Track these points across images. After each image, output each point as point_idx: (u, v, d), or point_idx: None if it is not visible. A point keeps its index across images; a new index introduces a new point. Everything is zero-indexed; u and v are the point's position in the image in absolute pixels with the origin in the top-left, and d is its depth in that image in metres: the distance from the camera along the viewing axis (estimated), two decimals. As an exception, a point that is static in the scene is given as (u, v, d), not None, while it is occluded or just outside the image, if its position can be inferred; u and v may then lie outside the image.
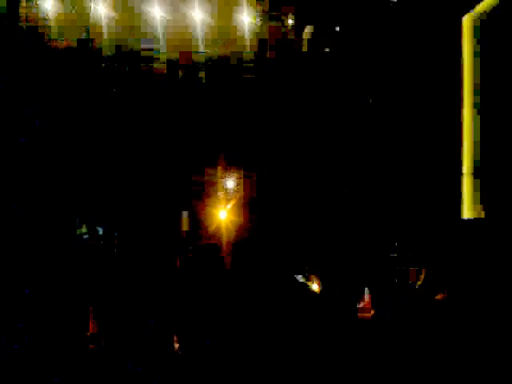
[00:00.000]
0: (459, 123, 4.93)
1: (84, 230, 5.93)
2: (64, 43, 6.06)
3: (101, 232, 6.07)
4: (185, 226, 6.24)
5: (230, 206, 5.81)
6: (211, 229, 5.87)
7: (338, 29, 5.86)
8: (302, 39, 6.16)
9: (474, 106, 4.78)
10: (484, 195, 4.42)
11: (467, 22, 4.92)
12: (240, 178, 6.09)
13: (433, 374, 3.35)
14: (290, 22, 6.15)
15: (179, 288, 4.76)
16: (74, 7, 5.88)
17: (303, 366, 3.48)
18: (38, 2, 5.90)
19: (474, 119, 4.78)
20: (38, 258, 4.73)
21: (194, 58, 6.42)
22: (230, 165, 6.15)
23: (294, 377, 3.40)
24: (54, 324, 3.83)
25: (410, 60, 5.31)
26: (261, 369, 3.47)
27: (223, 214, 5.76)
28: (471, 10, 4.78)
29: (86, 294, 4.42)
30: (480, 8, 4.75)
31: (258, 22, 6.07)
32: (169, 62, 6.45)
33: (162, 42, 6.31)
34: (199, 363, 3.63)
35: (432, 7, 5.00)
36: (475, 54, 4.82)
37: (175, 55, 6.41)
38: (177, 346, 3.80)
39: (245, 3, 6.06)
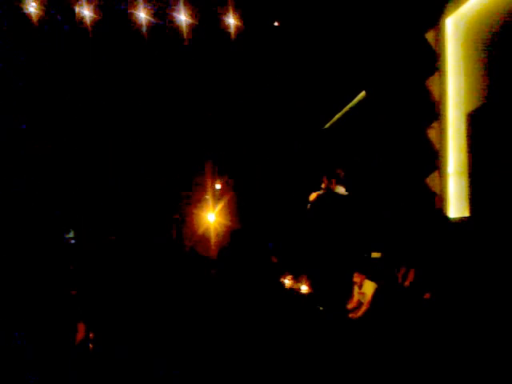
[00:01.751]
0: (445, 124, 4.97)
1: (72, 234, 5.92)
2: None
3: (94, 235, 6.06)
4: (175, 229, 6.23)
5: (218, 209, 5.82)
6: (202, 230, 5.86)
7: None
8: None
9: (459, 106, 4.81)
10: (469, 194, 4.44)
11: (452, 23, 4.96)
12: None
13: (422, 371, 3.36)
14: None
15: (170, 288, 4.75)
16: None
17: (293, 365, 3.48)
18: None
19: (459, 120, 4.82)
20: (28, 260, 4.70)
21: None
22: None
23: (285, 376, 3.40)
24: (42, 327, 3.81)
25: (395, 61, 5.34)
26: (251, 370, 3.47)
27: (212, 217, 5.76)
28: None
29: (78, 295, 4.40)
30: (464, 10, 4.79)
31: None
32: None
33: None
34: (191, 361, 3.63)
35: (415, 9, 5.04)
36: (459, 56, 4.85)
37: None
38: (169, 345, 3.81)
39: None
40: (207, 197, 6.25)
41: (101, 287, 4.69)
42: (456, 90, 4.82)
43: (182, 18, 6.22)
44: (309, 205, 4.07)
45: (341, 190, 4.06)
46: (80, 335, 3.87)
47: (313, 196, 4.08)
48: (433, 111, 5.02)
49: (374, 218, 5.04)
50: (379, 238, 4.93)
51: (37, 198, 5.94)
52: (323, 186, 4.16)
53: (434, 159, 4.97)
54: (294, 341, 3.79)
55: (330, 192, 4.06)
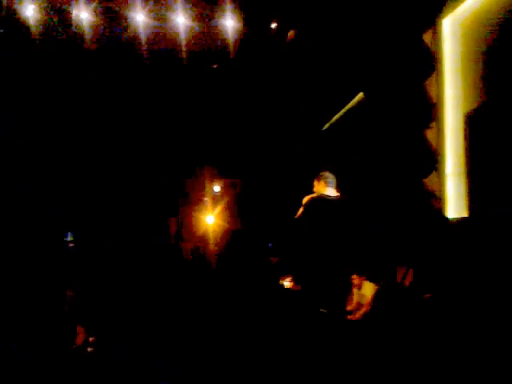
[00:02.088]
0: (443, 125, 4.97)
1: (71, 237, 5.91)
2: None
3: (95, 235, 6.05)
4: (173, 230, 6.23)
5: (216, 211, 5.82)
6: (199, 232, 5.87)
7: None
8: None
9: (457, 107, 4.81)
10: (468, 195, 4.45)
11: (449, 23, 4.96)
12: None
13: (422, 373, 3.36)
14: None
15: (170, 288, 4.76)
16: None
17: (292, 366, 3.48)
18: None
19: (457, 120, 4.81)
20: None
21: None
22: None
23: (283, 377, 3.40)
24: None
25: (392, 61, 5.34)
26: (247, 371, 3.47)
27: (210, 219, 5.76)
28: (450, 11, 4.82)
29: (77, 297, 4.39)
30: (461, 10, 4.79)
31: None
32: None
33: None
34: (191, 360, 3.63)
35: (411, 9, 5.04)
36: (457, 56, 4.85)
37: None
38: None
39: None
40: (206, 198, 6.26)
41: (100, 288, 4.69)
42: (454, 90, 4.82)
43: (181, 20, 6.23)
44: (301, 208, 4.11)
45: (331, 192, 4.10)
46: (80, 337, 3.86)
47: (306, 199, 4.12)
48: (431, 112, 5.02)
49: (372, 219, 5.05)
50: (377, 239, 4.94)
51: (37, 198, 5.94)
52: (314, 189, 4.21)
53: (432, 160, 4.97)
54: (293, 342, 3.79)
55: (320, 195, 4.09)
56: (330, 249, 3.98)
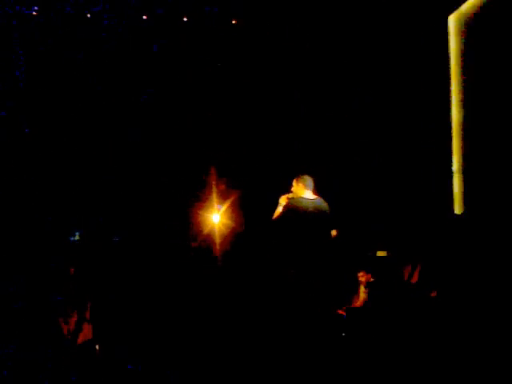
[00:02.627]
0: (449, 122, 4.97)
1: (78, 236, 5.93)
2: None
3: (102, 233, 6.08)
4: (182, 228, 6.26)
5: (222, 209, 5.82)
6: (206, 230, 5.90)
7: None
8: None
9: (462, 104, 4.82)
10: (468, 192, 4.46)
11: (454, 20, 4.97)
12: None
13: (426, 370, 3.36)
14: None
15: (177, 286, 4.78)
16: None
17: (297, 364, 3.48)
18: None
19: (463, 118, 4.82)
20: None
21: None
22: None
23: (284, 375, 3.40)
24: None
25: (400, 62, 5.35)
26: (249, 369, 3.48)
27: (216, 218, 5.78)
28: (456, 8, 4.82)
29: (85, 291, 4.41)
30: (466, 7, 4.79)
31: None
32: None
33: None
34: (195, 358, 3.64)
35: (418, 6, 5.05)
36: (462, 54, 4.86)
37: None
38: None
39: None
40: (211, 198, 6.27)
41: (106, 288, 4.70)
42: (458, 87, 4.83)
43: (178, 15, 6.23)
44: (280, 207, 4.29)
45: (309, 194, 4.28)
46: (84, 335, 3.87)
47: (283, 199, 4.30)
48: (435, 110, 5.03)
49: (381, 216, 5.07)
50: (384, 236, 4.94)
51: (41, 198, 5.97)
52: (293, 189, 4.38)
53: (437, 158, 4.98)
54: (299, 339, 3.80)
55: (299, 197, 4.27)
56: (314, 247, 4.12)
